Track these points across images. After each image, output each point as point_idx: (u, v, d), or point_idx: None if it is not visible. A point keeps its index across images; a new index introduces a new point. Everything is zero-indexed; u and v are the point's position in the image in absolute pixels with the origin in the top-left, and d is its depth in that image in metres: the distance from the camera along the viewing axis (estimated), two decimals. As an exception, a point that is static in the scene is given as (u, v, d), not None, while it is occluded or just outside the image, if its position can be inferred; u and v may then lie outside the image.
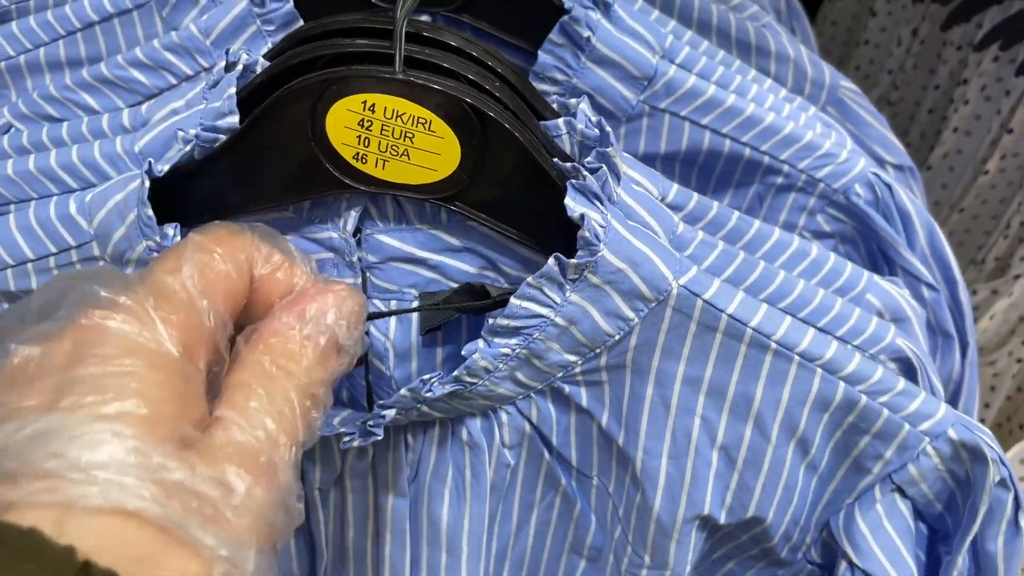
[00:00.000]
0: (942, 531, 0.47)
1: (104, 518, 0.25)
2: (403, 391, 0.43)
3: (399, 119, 0.38)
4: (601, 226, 0.40)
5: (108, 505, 0.25)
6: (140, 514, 0.25)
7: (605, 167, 0.40)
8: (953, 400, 0.60)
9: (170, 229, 0.41)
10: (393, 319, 0.46)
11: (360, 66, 0.38)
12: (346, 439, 0.43)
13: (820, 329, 0.45)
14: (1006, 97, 0.71)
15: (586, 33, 0.48)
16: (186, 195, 0.42)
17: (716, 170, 0.54)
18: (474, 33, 0.50)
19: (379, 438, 0.43)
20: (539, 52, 0.49)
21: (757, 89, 0.54)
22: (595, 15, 0.48)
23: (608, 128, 0.41)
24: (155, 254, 0.41)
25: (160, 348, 0.29)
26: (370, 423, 0.43)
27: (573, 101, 0.43)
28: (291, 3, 0.48)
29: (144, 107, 0.46)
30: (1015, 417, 0.79)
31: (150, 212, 0.40)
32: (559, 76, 0.49)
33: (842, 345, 0.44)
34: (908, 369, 0.48)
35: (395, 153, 0.39)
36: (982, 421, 0.80)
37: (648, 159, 0.53)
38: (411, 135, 0.39)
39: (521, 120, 0.40)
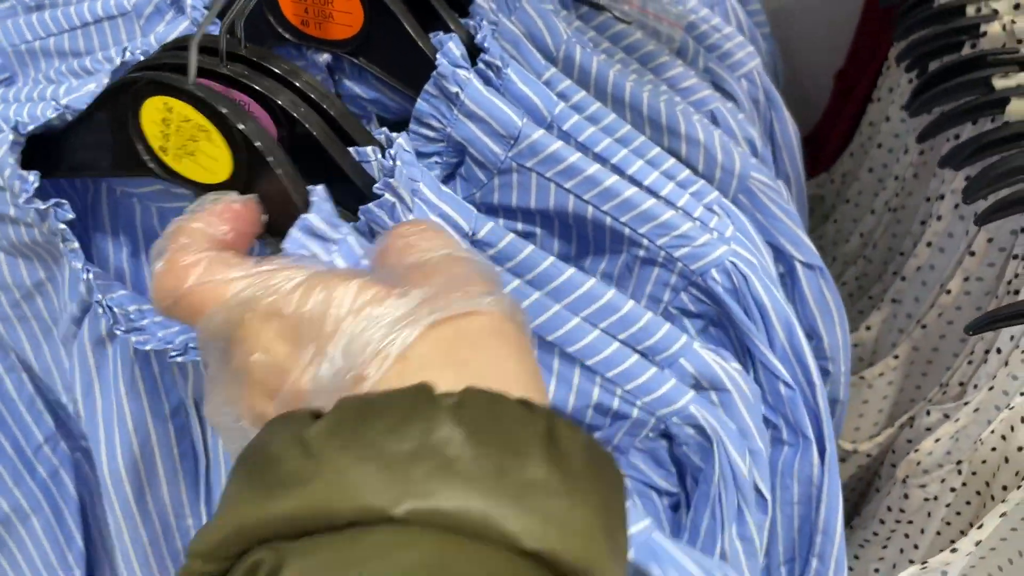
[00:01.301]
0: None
1: (426, 339, 0.32)
2: None
3: (187, 123, 0.44)
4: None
5: (426, 324, 0.32)
6: (434, 324, 0.32)
7: (388, 194, 0.46)
8: (816, 504, 0.59)
9: (31, 176, 0.49)
10: None
11: (166, 73, 0.45)
12: (171, 354, 0.50)
13: (605, 379, 0.51)
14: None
15: (454, 89, 0.53)
16: (52, 154, 0.50)
17: (588, 234, 0.57)
18: (367, 75, 0.57)
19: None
20: (418, 100, 0.54)
21: (641, 165, 0.57)
22: (464, 73, 0.53)
23: (400, 162, 0.46)
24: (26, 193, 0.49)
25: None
26: (190, 344, 0.50)
27: (395, 135, 0.48)
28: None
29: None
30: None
31: (12, 160, 0.49)
32: (435, 124, 0.55)
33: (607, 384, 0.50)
34: (704, 438, 0.52)
35: (186, 152, 0.44)
36: (915, 547, 0.77)
37: (524, 212, 0.57)
38: (196, 139, 0.44)
39: (323, 145, 0.46)
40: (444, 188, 0.51)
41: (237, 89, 0.45)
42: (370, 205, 0.47)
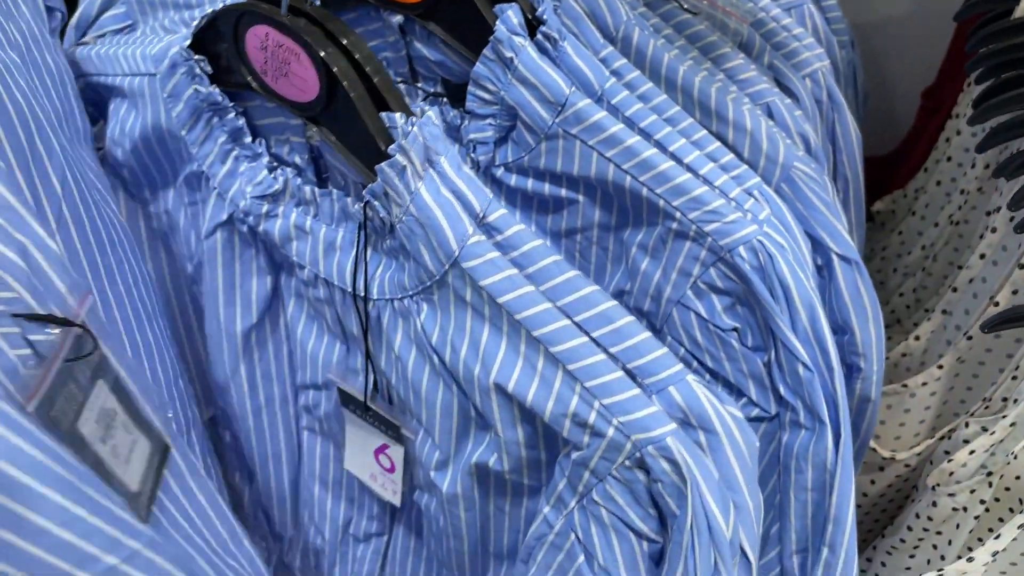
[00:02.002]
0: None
1: None
2: None
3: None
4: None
5: None
6: None
7: (399, 156, 0.50)
8: (828, 491, 0.60)
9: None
10: None
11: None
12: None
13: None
14: (1031, 233, 0.69)
15: (509, 54, 0.57)
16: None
17: (627, 204, 0.61)
18: (435, 39, 0.61)
19: None
20: (477, 63, 0.59)
21: (683, 143, 0.60)
22: (520, 40, 0.57)
23: (417, 128, 0.51)
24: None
25: None
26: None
27: (426, 108, 0.53)
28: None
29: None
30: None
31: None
32: (491, 87, 0.59)
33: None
34: (679, 477, 0.50)
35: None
36: (942, 559, 0.77)
37: (568, 178, 0.61)
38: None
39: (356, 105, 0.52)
40: (465, 168, 0.55)
41: (291, 39, 0.51)
42: (383, 164, 0.52)
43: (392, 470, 0.63)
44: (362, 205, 0.55)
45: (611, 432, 0.50)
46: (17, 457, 0.38)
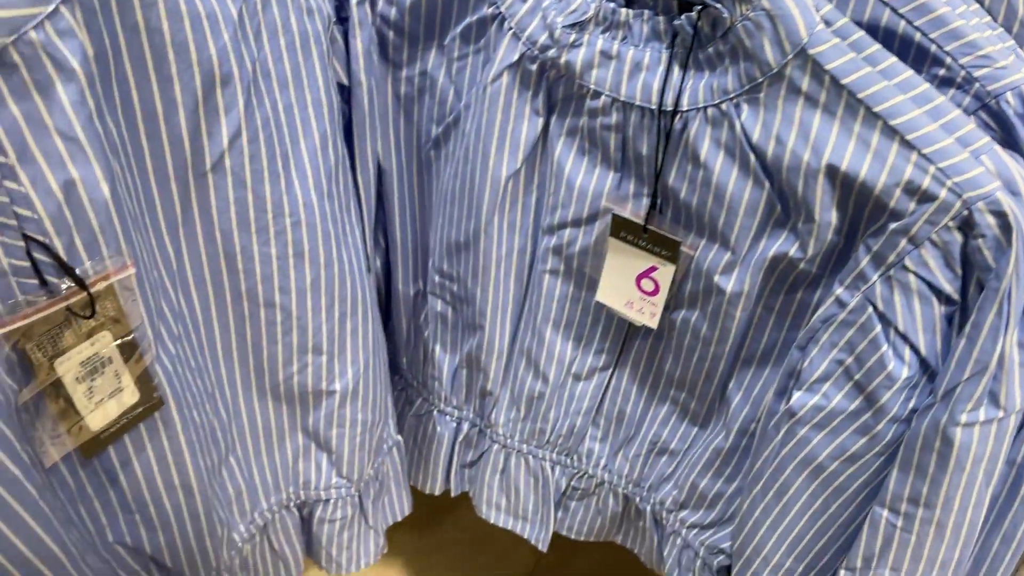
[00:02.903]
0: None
1: None
2: None
3: None
4: None
5: None
6: None
7: None
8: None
9: None
10: None
11: None
12: None
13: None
14: None
15: None
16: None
17: (892, 52, 0.64)
18: None
19: None
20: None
21: (950, -3, 0.63)
22: None
23: None
24: None
25: None
26: None
27: None
28: None
29: None
30: None
31: None
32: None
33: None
34: (1003, 231, 0.54)
35: None
36: None
37: (837, 25, 0.64)
38: None
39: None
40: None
41: None
42: None
43: (655, 292, 0.67)
44: (697, 11, 0.58)
45: (943, 193, 0.54)
46: None
